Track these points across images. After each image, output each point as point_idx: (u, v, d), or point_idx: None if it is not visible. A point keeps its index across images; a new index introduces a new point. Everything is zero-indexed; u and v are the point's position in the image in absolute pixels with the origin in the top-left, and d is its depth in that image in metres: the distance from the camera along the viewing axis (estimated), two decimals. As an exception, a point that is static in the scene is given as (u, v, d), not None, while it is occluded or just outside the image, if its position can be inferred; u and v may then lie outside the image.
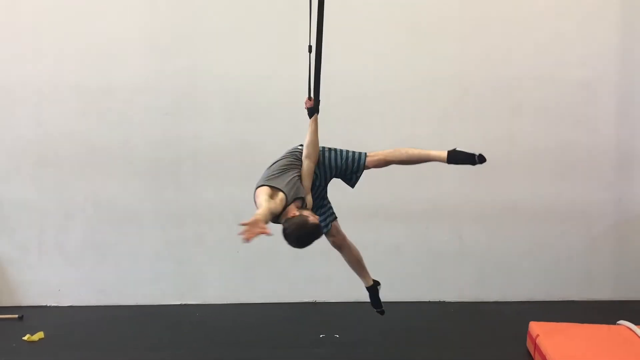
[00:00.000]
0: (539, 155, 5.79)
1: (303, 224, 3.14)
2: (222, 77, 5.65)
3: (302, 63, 5.55)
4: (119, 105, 5.66)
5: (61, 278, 5.78)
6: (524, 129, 5.76)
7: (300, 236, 3.17)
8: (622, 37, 5.73)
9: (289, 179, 3.37)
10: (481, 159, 3.64)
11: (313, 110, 3.65)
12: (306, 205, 3.46)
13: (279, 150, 5.55)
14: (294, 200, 3.31)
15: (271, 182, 3.31)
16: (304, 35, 5.73)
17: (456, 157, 3.60)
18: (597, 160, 5.81)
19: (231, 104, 5.69)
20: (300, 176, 3.48)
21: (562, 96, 5.75)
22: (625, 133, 5.80)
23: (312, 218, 3.23)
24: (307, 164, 3.53)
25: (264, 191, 3.24)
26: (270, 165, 3.57)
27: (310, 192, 3.56)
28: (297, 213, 3.23)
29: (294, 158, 3.56)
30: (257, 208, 3.15)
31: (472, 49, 5.69)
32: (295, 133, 5.55)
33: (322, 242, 5.82)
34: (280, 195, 3.24)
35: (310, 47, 3.58)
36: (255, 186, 3.39)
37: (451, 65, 5.71)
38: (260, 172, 5.59)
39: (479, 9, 5.67)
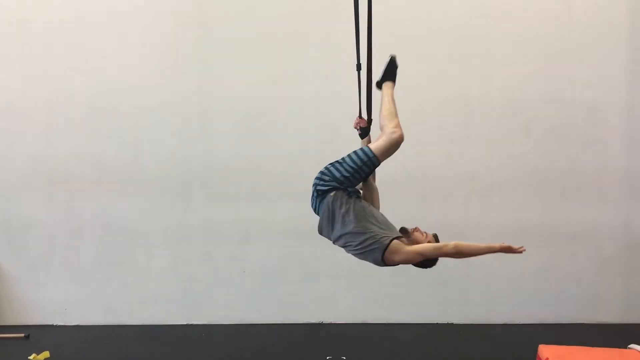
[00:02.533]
0: (547, 176, 5.78)
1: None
2: (231, 98, 5.70)
3: (310, 84, 5.67)
4: (129, 125, 5.71)
5: (68, 297, 5.78)
6: (531, 150, 5.76)
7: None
8: (630, 58, 5.75)
9: (385, 218, 3.37)
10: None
11: (367, 130, 3.58)
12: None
13: (287, 171, 5.64)
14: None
15: (392, 234, 3.28)
16: (313, 57, 5.82)
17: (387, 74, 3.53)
18: (606, 182, 5.79)
19: (240, 124, 5.73)
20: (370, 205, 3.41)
21: (570, 117, 5.76)
22: (634, 154, 5.79)
23: (430, 235, 3.35)
24: (375, 185, 3.52)
25: (401, 244, 3.24)
26: (343, 217, 3.27)
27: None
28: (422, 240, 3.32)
29: (348, 196, 3.33)
30: (405, 261, 3.27)
31: (480, 70, 5.73)
32: (302, 153, 5.63)
33: (329, 263, 5.83)
34: (403, 239, 3.30)
35: (359, 65, 3.54)
36: (382, 241, 3.24)
37: (458, 87, 5.73)
38: (268, 192, 5.68)
39: (486, 30, 5.72)
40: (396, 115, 3.32)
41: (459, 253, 3.18)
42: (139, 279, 5.78)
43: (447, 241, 3.24)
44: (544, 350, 4.34)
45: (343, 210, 3.24)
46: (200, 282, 5.80)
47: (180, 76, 5.70)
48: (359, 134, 3.67)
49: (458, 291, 5.81)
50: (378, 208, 3.51)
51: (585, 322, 5.80)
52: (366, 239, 3.21)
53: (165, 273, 5.78)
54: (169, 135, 5.73)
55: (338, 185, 3.29)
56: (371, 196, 3.50)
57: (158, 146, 5.73)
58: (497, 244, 3.17)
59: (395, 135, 3.21)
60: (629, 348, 4.43)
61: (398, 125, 3.25)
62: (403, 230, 3.36)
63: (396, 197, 5.73)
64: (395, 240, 3.19)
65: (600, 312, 5.82)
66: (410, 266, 5.82)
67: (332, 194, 3.28)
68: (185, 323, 5.79)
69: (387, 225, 3.32)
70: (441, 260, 5.93)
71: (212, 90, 5.71)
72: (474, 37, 5.72)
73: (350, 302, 5.83)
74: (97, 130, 5.72)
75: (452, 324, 5.81)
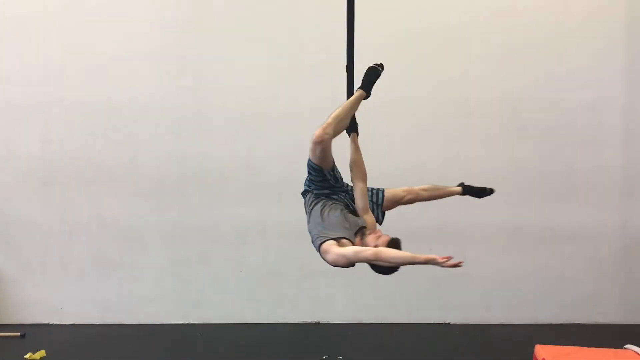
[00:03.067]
0: (544, 177, 5.78)
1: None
2: (227, 97, 5.69)
3: (306, 84, 5.66)
4: (125, 124, 5.70)
5: (64, 296, 5.77)
6: (529, 151, 5.77)
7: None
8: (627, 59, 5.76)
9: (335, 220, 3.27)
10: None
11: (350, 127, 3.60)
12: (366, 229, 3.35)
13: (283, 171, 5.63)
14: (357, 233, 3.28)
15: (331, 235, 3.18)
16: (308, 56, 5.83)
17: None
18: (603, 183, 5.80)
19: (236, 123, 5.72)
20: (336, 207, 3.35)
21: (567, 118, 5.76)
22: (631, 155, 5.80)
23: (383, 239, 3.20)
24: (360, 186, 3.48)
25: (333, 244, 3.12)
26: (309, 213, 3.40)
27: (369, 211, 3.52)
28: (372, 245, 3.18)
29: (316, 197, 3.42)
30: (334, 264, 3.12)
31: (477, 72, 5.73)
32: (299, 153, 5.61)
33: (326, 263, 5.82)
34: (344, 241, 3.18)
35: (347, 67, 3.58)
36: (317, 242, 3.22)
37: (456, 88, 5.73)
38: (265, 192, 5.68)
39: (484, 31, 5.72)
40: (334, 117, 3.26)
41: (379, 259, 3.05)
42: (135, 278, 5.77)
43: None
44: (541, 350, 4.33)
45: (307, 211, 3.42)
46: (197, 282, 5.79)
47: (177, 76, 5.69)
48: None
49: (455, 291, 5.81)
50: (363, 208, 3.47)
51: (582, 322, 5.80)
52: (311, 239, 3.29)
53: (162, 272, 5.77)
54: (165, 135, 5.72)
55: (308, 189, 3.46)
56: (355, 196, 3.51)
57: (154, 146, 5.72)
58: (423, 255, 3.06)
59: (313, 136, 3.20)
60: (625, 348, 4.44)
61: (321, 126, 3.21)
62: (361, 232, 3.32)
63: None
64: (328, 241, 3.12)
65: (597, 313, 5.82)
66: (409, 266, 5.85)
67: (306, 196, 3.48)
68: (181, 322, 5.78)
69: (335, 226, 3.23)
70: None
71: (209, 89, 5.70)
72: (472, 38, 5.72)
73: (347, 301, 5.83)
74: (93, 130, 5.70)
75: (449, 323, 5.81)
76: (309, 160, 3.33)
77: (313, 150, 3.25)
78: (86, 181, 5.72)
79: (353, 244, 3.17)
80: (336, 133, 3.32)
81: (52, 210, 5.73)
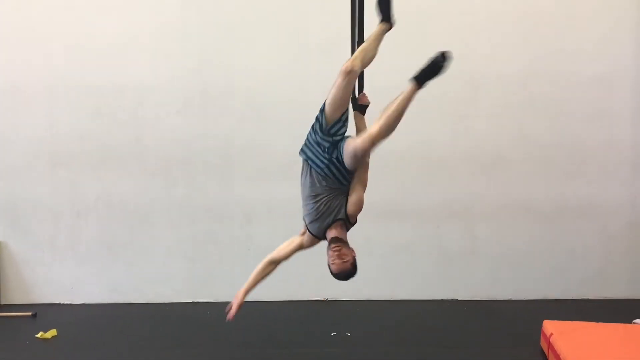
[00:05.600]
0: (552, 152, 5.73)
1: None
2: (233, 77, 5.65)
3: (313, 63, 5.60)
4: (131, 104, 5.68)
5: (74, 276, 5.81)
6: (537, 126, 5.71)
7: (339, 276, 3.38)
8: (638, 32, 5.66)
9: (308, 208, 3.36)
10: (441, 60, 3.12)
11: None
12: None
13: (290, 150, 5.53)
14: (334, 223, 3.33)
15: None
16: (315, 36, 5.77)
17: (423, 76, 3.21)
18: (612, 157, 5.75)
19: (242, 103, 5.69)
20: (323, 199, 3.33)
21: (576, 92, 5.69)
22: (641, 129, 5.73)
23: (349, 254, 3.30)
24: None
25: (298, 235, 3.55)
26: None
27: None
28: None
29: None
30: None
31: (483, 45, 5.65)
32: (305, 132, 5.57)
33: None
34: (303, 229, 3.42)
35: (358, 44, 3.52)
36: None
37: (462, 62, 5.60)
38: (271, 171, 5.68)
39: (490, 3, 5.62)
40: (360, 51, 3.30)
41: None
42: (144, 257, 5.80)
43: None
44: (549, 325, 4.35)
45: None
46: (205, 261, 5.81)
47: (182, 56, 5.64)
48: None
49: (463, 267, 5.82)
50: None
51: (590, 297, 5.80)
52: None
53: (170, 252, 5.80)
54: (171, 115, 5.70)
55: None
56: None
57: (161, 125, 5.70)
58: None
59: (342, 68, 3.22)
60: (633, 323, 4.44)
61: (349, 60, 3.28)
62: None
63: (402, 174, 5.72)
64: None
65: (606, 288, 5.81)
66: (416, 243, 5.88)
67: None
68: (190, 301, 5.82)
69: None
70: (446, 236, 5.95)
71: (214, 69, 5.65)
72: (478, 12, 5.63)
73: (354, 279, 5.79)
74: (99, 110, 5.69)
75: (457, 300, 5.83)
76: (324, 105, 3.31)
77: (339, 84, 3.17)
78: (93, 161, 5.72)
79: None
80: (364, 65, 3.30)
81: (60, 190, 5.75)
